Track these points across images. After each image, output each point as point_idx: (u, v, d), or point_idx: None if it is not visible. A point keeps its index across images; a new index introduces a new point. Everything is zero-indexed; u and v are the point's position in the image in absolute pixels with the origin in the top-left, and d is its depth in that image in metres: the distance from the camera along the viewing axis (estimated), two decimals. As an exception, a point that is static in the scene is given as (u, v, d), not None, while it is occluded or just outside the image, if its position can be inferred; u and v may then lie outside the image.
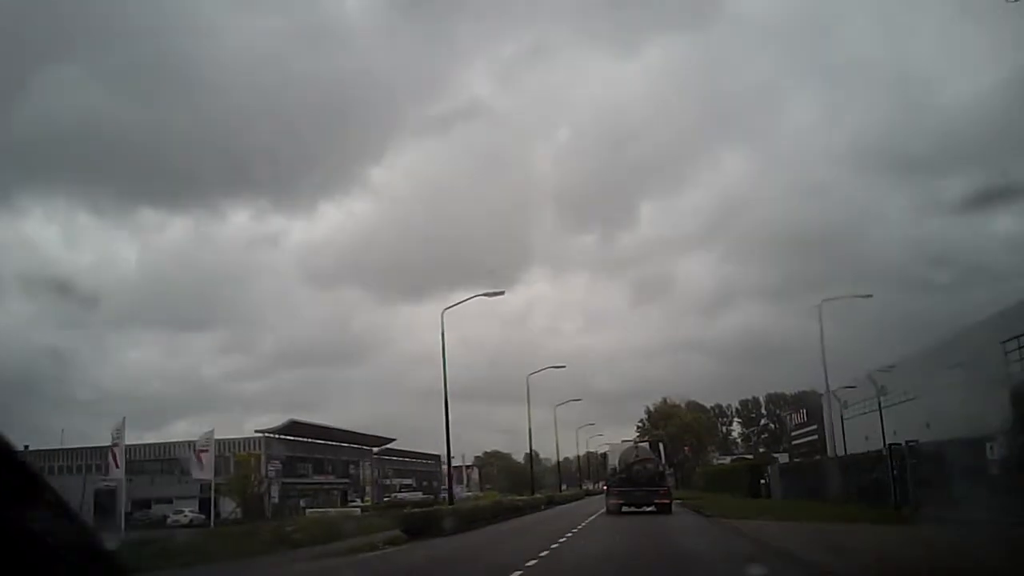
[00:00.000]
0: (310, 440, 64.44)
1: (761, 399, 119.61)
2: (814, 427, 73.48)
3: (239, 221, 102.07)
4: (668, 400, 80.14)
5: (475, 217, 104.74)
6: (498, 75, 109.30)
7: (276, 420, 59.44)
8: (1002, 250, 64.28)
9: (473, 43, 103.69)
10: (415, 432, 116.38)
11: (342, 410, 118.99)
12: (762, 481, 39.56)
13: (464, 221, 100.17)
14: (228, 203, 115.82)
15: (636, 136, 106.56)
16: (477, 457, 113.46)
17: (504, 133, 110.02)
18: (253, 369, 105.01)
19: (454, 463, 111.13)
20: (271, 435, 57.94)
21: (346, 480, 66.89)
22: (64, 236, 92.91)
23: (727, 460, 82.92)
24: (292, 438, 61.57)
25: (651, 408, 79.77)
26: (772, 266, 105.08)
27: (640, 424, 77.75)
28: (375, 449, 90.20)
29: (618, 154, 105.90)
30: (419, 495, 60.20)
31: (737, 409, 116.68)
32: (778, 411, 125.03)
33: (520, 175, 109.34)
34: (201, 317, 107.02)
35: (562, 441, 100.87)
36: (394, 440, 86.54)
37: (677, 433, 69.15)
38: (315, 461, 65.87)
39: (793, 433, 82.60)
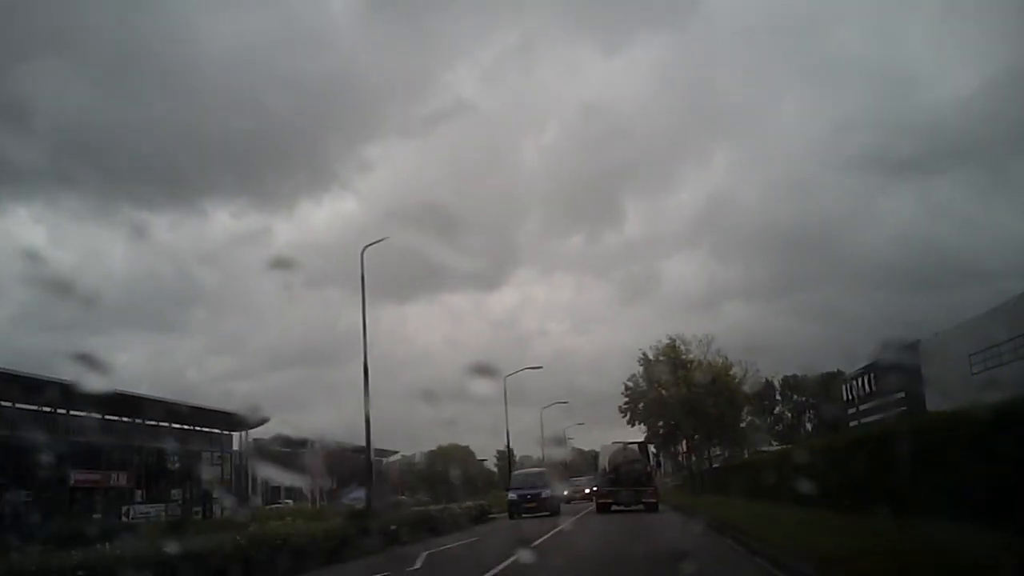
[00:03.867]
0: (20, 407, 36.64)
1: (776, 383, 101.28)
2: (900, 395, 47.62)
3: (220, 219, 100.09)
4: (678, 343, 45.80)
5: (461, 217, 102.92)
6: (483, 74, 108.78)
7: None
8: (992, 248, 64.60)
9: (457, 42, 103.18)
10: (408, 434, 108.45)
11: (332, 412, 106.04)
12: None
13: (449, 221, 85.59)
14: (209, 202, 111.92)
15: (623, 134, 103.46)
16: (432, 451, 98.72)
17: (490, 132, 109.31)
18: (239, 370, 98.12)
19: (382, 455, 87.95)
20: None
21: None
22: (45, 235, 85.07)
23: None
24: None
25: (649, 356, 46.73)
26: (760, 264, 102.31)
27: (628, 386, 48.01)
28: (250, 437, 65.70)
29: (605, 152, 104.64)
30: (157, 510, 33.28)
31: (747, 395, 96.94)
32: (795, 396, 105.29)
33: (506, 174, 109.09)
34: (183, 318, 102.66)
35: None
36: (267, 421, 60.33)
37: (691, 399, 42.18)
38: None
39: (853, 410, 56.25)
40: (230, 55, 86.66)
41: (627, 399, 47.63)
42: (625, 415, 47.32)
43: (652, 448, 41.04)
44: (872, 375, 53.34)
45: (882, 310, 75.98)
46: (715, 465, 47.80)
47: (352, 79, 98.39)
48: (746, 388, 47.03)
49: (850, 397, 58.73)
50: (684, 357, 44.81)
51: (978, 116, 75.32)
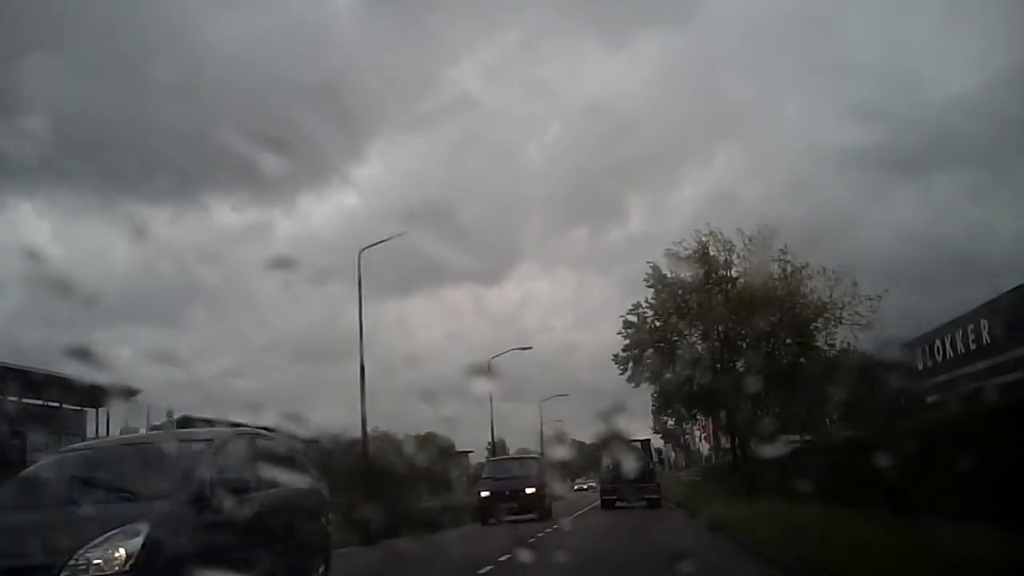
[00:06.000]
0: None
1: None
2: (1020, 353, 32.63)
3: (220, 214, 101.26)
4: (712, 247, 26.93)
5: (463, 213, 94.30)
6: (486, 70, 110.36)
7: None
8: (993, 247, 60.21)
9: (460, 38, 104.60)
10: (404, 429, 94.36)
11: (336, 410, 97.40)
12: None
13: (451, 216, 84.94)
14: (210, 197, 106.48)
15: (627, 131, 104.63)
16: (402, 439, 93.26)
17: (492, 128, 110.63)
18: (239, 367, 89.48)
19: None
20: None
21: None
22: (45, 230, 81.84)
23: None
24: None
25: (664, 271, 27.89)
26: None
27: (628, 322, 28.79)
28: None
29: (608, 149, 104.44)
30: None
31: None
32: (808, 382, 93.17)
33: (509, 170, 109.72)
34: (183, 312, 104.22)
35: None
36: (139, 393, 46.60)
37: (736, 338, 26.00)
38: None
39: (934, 381, 41.04)
40: (231, 49, 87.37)
41: (626, 343, 29.15)
42: (623, 370, 29.61)
43: (655, 445, 41.25)
44: (970, 329, 38.17)
45: (883, 307, 71.64)
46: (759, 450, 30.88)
47: (353, 74, 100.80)
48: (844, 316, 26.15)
49: (927, 365, 43.73)
50: (723, 272, 27.13)
51: (981, 115, 71.69)
